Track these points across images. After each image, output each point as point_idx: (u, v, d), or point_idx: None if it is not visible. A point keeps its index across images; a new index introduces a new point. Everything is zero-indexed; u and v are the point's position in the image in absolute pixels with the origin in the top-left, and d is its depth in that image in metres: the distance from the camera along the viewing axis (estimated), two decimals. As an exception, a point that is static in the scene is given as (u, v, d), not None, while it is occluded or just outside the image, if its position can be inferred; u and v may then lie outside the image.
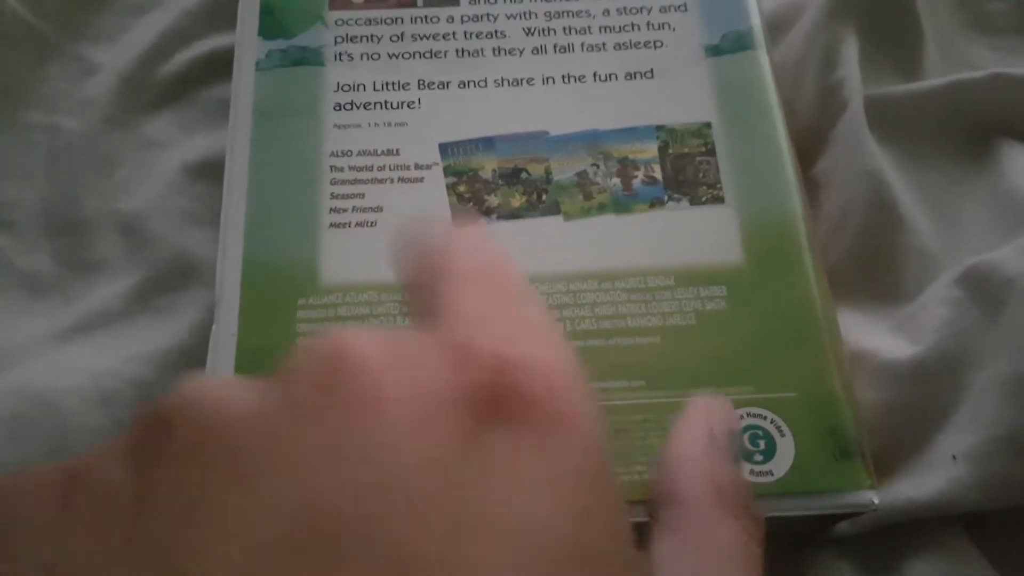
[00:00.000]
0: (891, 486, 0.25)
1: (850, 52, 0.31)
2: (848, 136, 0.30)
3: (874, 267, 0.29)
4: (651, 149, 0.27)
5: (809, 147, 0.31)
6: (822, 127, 0.31)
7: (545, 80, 0.28)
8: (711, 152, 0.27)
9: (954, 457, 0.25)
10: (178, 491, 0.11)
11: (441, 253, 0.15)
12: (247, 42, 0.29)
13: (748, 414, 0.23)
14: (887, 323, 0.28)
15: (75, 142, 0.31)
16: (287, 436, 0.11)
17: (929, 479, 0.25)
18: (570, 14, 0.30)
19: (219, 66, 0.32)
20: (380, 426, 0.11)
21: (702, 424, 0.18)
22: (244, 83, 0.28)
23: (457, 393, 0.12)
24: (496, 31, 0.29)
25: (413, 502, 0.11)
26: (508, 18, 0.29)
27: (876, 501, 0.23)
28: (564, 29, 0.29)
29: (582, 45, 0.29)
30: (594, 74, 0.29)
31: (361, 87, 0.28)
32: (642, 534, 0.15)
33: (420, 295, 0.15)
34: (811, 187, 0.30)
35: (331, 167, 0.27)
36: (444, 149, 0.27)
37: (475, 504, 0.11)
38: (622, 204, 0.26)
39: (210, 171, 0.30)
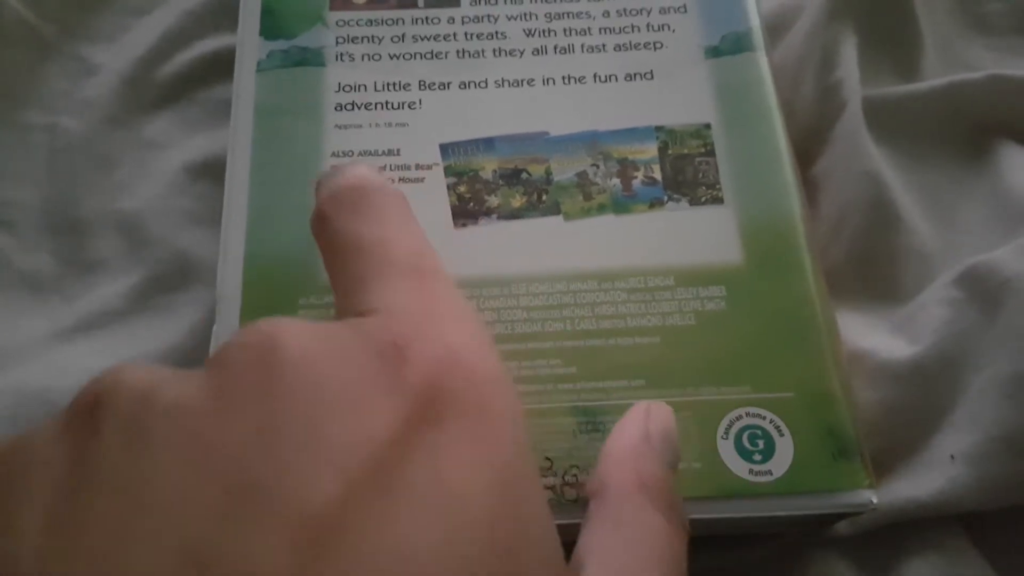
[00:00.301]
0: (890, 486, 0.25)
1: (849, 53, 0.31)
2: (847, 137, 0.30)
3: (872, 267, 0.29)
4: (651, 150, 0.27)
5: (808, 148, 0.31)
6: (821, 128, 0.31)
7: (545, 81, 0.28)
8: (710, 153, 0.27)
9: (952, 457, 0.25)
10: (111, 471, 0.11)
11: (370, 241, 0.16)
12: (248, 42, 0.29)
13: (747, 414, 0.23)
14: (886, 323, 0.28)
15: (75, 142, 0.31)
16: (217, 424, 0.11)
17: (928, 479, 0.25)
18: (570, 15, 0.30)
19: (220, 66, 0.32)
20: (312, 412, 0.12)
21: (639, 425, 0.19)
22: (245, 83, 0.28)
23: (389, 389, 0.12)
24: (497, 32, 0.29)
25: (341, 473, 0.11)
26: (509, 19, 0.29)
27: (875, 501, 0.23)
28: (564, 30, 0.29)
29: (582, 46, 0.29)
30: (594, 75, 0.29)
31: (362, 87, 0.28)
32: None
33: (345, 280, 0.16)
34: (810, 188, 0.30)
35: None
36: (445, 149, 0.27)
37: (402, 476, 0.11)
38: (622, 204, 0.26)
39: (210, 171, 0.30)
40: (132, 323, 0.28)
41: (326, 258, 0.17)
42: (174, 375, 0.12)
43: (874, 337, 0.28)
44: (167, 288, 0.29)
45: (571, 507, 0.22)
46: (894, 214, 0.29)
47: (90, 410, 0.12)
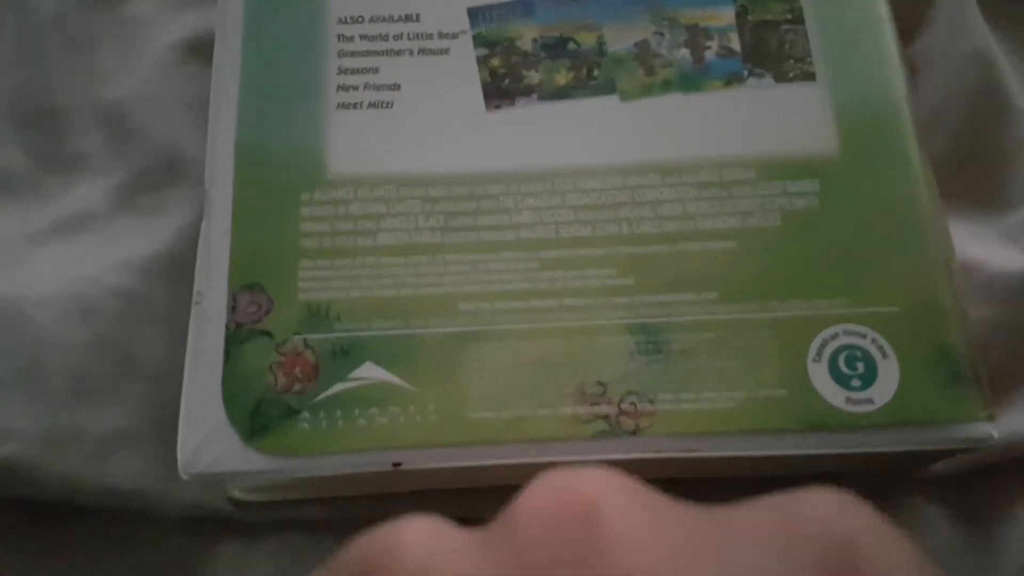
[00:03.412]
0: (1000, 419, 0.22)
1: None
2: (952, 11, 0.27)
3: (979, 164, 0.26)
4: (727, 15, 0.23)
5: (905, 22, 0.27)
6: None
7: (596, -69, 0.24)
8: (799, 19, 0.23)
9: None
10: None
11: None
12: None
13: (844, 332, 0.20)
14: (995, 230, 0.25)
15: (48, 21, 0.27)
16: None
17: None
18: None
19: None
20: None
21: None
22: (235, -60, 0.23)
23: None
24: None
25: None
26: None
27: (995, 435, 0.19)
28: None
29: None
30: (656, -76, 0.24)
31: (374, -59, 0.23)
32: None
33: None
34: (906, 69, 0.26)
35: (338, 36, 0.22)
36: (474, 14, 0.23)
37: None
38: (691, 81, 0.22)
39: (201, 51, 0.26)
40: (115, 225, 0.24)
41: None
42: (456, 547, 0.10)
43: (982, 246, 0.24)
44: (154, 186, 0.25)
45: (628, 439, 0.19)
46: (1006, 102, 0.26)
47: None
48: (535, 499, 0.10)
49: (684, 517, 0.10)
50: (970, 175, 0.25)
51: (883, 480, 0.22)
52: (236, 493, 0.21)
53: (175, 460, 0.19)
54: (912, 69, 0.27)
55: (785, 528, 0.10)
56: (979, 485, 0.22)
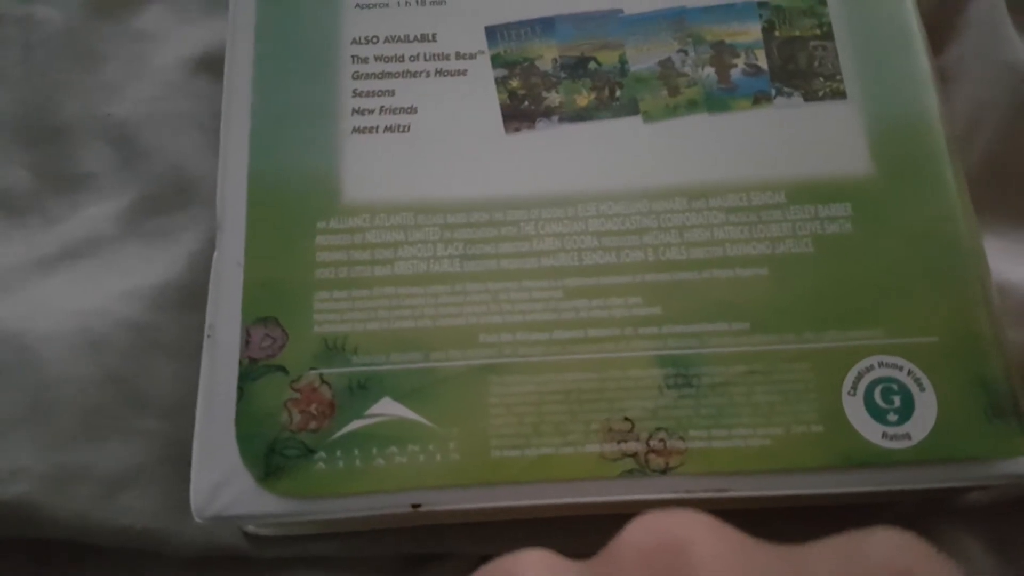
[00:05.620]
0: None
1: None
2: (983, 20, 0.26)
3: (1014, 179, 0.25)
4: (753, 31, 0.22)
5: (934, 33, 0.26)
6: (949, 8, 0.27)
7: (616, -55, 0.23)
8: (828, 35, 0.22)
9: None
10: None
11: None
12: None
13: (880, 364, 0.19)
14: None
15: (53, 36, 0.27)
16: None
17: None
18: None
19: (216, -60, 0.27)
20: None
21: None
22: (245, -44, 0.23)
23: None
24: None
25: None
26: None
27: (1040, 471, 0.18)
28: None
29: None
30: (678, -63, 0.23)
31: (388, -43, 0.23)
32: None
33: None
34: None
35: (353, 57, 0.22)
36: (492, 33, 0.22)
37: None
38: (717, 100, 0.21)
39: (212, 66, 0.26)
40: (123, 251, 0.24)
41: None
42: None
43: (1016, 265, 0.24)
44: (163, 209, 0.24)
45: (658, 479, 0.18)
46: (1039, 114, 0.25)
47: None
48: (634, 535, 0.12)
49: (761, 552, 0.12)
50: (1004, 190, 0.25)
51: (917, 509, 0.22)
52: (251, 528, 0.20)
53: (187, 498, 0.18)
54: (942, 79, 0.26)
55: (850, 562, 0.11)
56: (1016, 515, 0.22)
